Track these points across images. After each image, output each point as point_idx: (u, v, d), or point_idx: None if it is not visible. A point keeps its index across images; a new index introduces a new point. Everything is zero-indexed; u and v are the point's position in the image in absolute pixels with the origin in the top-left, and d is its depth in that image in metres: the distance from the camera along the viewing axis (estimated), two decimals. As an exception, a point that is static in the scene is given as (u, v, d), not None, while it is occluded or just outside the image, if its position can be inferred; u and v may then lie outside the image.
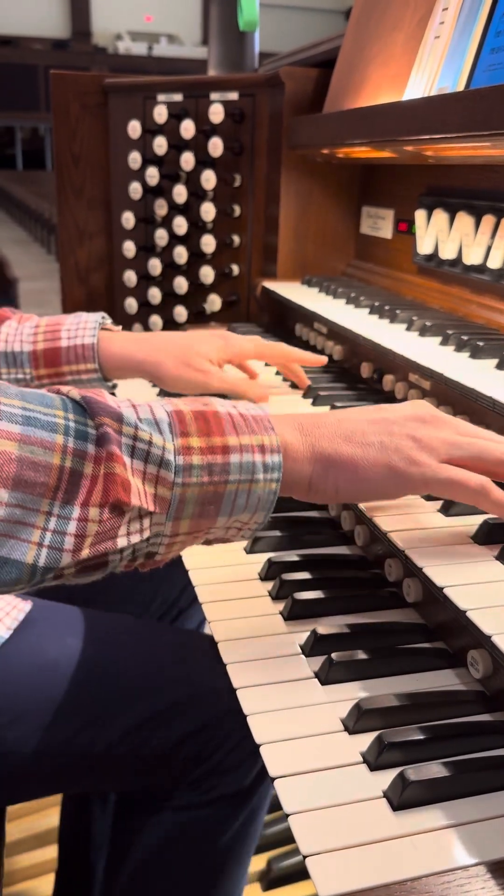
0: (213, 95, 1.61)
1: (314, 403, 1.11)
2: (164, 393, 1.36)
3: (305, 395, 1.16)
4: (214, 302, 1.70)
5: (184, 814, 0.98)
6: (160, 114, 1.65)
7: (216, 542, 0.68)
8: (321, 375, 1.26)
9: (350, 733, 0.61)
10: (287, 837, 1.62)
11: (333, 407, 1.06)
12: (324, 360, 1.17)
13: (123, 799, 1.09)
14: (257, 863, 1.57)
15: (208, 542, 0.68)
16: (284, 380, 1.25)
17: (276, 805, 1.05)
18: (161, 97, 1.66)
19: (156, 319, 1.78)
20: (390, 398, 1.13)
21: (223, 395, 1.04)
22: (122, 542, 0.59)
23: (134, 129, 1.70)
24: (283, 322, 1.61)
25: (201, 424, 0.62)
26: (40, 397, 0.60)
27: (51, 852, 1.59)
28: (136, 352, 1.08)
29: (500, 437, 0.74)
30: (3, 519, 0.55)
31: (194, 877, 1.01)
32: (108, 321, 1.13)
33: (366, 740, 0.60)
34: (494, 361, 0.94)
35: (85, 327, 1.09)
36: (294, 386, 1.22)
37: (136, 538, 0.60)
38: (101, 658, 0.95)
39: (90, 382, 1.09)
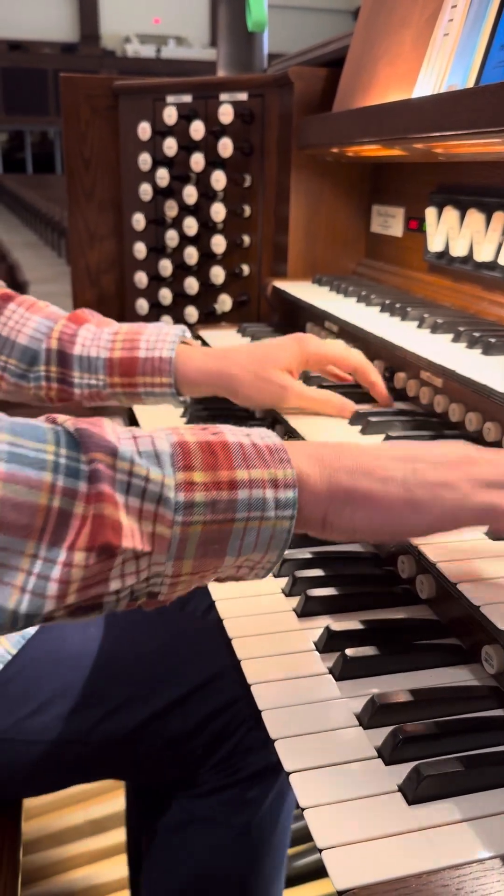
0: (223, 96, 1.61)
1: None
2: (192, 419, 1.36)
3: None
4: (225, 302, 1.71)
5: (213, 798, 0.97)
6: (170, 115, 1.66)
7: (228, 580, 0.63)
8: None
9: (365, 728, 0.62)
10: (304, 836, 1.62)
11: (355, 414, 1.04)
12: (390, 401, 1.10)
13: (152, 789, 1.09)
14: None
15: (219, 580, 0.63)
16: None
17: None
18: (170, 98, 1.67)
19: (167, 320, 1.79)
20: (402, 396, 1.13)
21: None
22: (114, 584, 0.55)
23: (144, 130, 1.70)
24: (294, 322, 1.61)
25: (207, 457, 0.58)
26: (32, 429, 0.56)
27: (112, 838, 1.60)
28: (213, 370, 1.05)
29: None
30: None
31: (229, 864, 0.99)
32: (189, 335, 1.10)
33: (380, 735, 0.60)
34: (506, 358, 0.94)
35: (165, 339, 1.06)
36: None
37: (131, 580, 0.56)
38: (120, 647, 0.95)
39: (163, 396, 1.07)
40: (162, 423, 1.33)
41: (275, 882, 1.04)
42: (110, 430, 0.57)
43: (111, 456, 0.55)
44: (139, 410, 1.41)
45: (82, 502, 0.54)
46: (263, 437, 0.62)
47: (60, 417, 0.58)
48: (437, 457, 0.65)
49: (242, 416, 1.35)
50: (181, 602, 1.31)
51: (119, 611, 0.59)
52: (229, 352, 1.08)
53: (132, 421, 1.52)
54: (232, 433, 0.61)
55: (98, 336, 1.08)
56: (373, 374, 1.09)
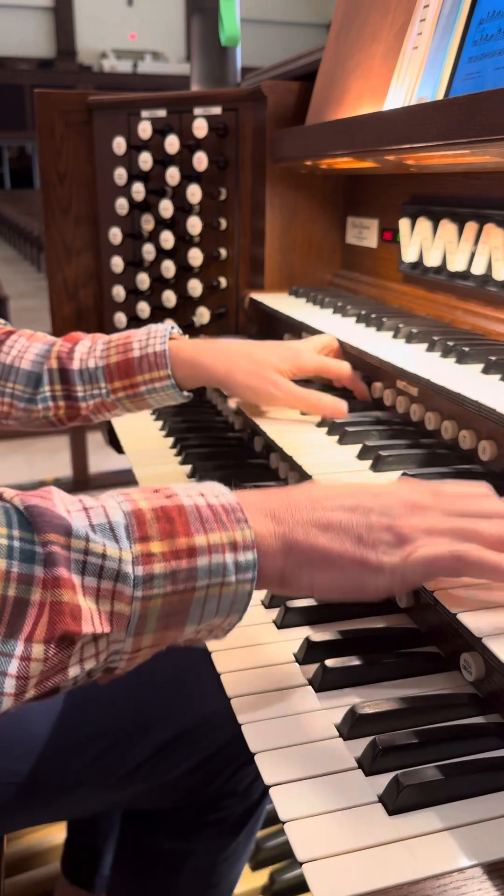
0: (197, 110, 1.62)
1: (303, 414, 1.11)
2: (160, 417, 1.37)
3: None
4: (203, 314, 1.71)
5: (188, 842, 1.00)
6: (144, 130, 1.66)
7: (186, 643, 0.61)
8: (311, 385, 1.26)
9: (345, 739, 0.61)
10: (289, 850, 1.61)
11: (333, 424, 1.05)
12: (367, 397, 1.16)
13: (126, 824, 1.09)
14: (260, 877, 1.56)
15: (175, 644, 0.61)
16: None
17: (277, 818, 1.07)
18: (145, 113, 1.68)
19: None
20: (380, 405, 1.14)
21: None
22: (73, 671, 0.53)
23: (119, 145, 1.71)
24: (271, 333, 1.61)
25: (163, 525, 0.55)
26: None
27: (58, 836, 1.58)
28: (206, 359, 1.08)
29: (494, 502, 0.66)
30: None
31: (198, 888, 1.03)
32: (177, 330, 1.13)
33: (360, 745, 0.60)
34: (480, 366, 0.94)
35: (155, 336, 1.09)
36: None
37: (90, 664, 0.54)
38: (103, 690, 0.95)
39: (164, 391, 1.09)
40: (141, 437, 1.33)
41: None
42: (59, 502, 0.55)
43: (65, 535, 0.52)
44: (118, 424, 1.41)
45: (39, 588, 0.51)
46: (217, 494, 0.60)
47: (7, 493, 0.55)
48: (385, 506, 0.63)
49: (221, 428, 1.35)
50: None
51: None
52: (222, 345, 1.11)
53: (112, 435, 1.52)
54: (186, 494, 0.59)
55: (93, 349, 1.12)
56: (355, 383, 1.16)
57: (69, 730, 0.92)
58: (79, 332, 1.17)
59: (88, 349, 1.11)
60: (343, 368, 1.15)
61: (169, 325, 1.12)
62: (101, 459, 3.95)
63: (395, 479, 0.69)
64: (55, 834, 1.66)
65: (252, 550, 0.58)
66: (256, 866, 1.57)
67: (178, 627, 0.57)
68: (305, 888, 1.50)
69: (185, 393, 1.12)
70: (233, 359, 1.07)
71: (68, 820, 1.31)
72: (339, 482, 0.69)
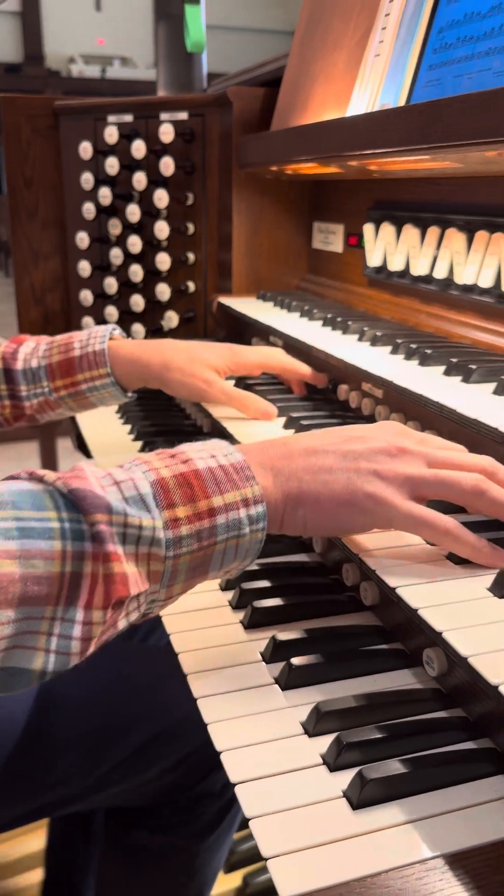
0: (163, 115, 1.62)
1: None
2: (128, 421, 1.37)
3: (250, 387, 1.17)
4: (171, 319, 1.71)
5: (167, 836, 1.00)
6: (111, 134, 1.66)
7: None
8: (279, 387, 1.27)
9: (310, 736, 0.62)
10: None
11: (290, 418, 1.07)
12: (324, 379, 1.19)
13: (108, 821, 1.10)
14: (233, 879, 1.56)
15: None
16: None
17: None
18: (111, 118, 1.68)
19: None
20: (345, 407, 1.15)
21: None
22: (122, 624, 0.61)
23: (85, 150, 1.71)
24: (239, 337, 1.62)
25: (185, 490, 0.62)
26: (31, 497, 0.58)
27: (37, 876, 1.56)
28: (142, 356, 1.11)
29: (474, 457, 0.72)
30: (11, 635, 0.54)
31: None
32: (118, 332, 1.16)
33: (326, 742, 0.61)
34: (442, 368, 0.96)
35: (96, 336, 1.12)
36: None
37: (134, 616, 0.62)
38: (80, 691, 0.95)
39: (105, 389, 1.11)
40: (109, 441, 1.33)
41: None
42: (94, 480, 0.60)
43: (107, 513, 0.58)
44: (86, 428, 1.40)
45: (90, 561, 0.57)
46: (226, 454, 0.66)
47: (49, 475, 0.60)
48: (374, 450, 0.69)
49: (190, 432, 1.36)
50: (129, 632, 1.33)
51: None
52: (160, 344, 1.14)
53: (80, 440, 1.51)
54: (199, 457, 0.64)
55: (37, 349, 1.14)
56: (300, 367, 1.18)
57: (46, 731, 0.92)
58: (24, 335, 1.19)
59: (32, 349, 1.14)
60: (285, 362, 1.17)
61: (110, 327, 1.14)
62: (70, 464, 3.92)
63: (384, 423, 0.75)
64: (31, 841, 1.65)
65: (261, 504, 0.64)
66: (230, 869, 1.57)
67: (202, 575, 0.64)
68: (258, 859, 1.50)
69: (129, 393, 1.14)
70: (169, 356, 1.10)
71: (49, 818, 1.30)
72: (331, 429, 0.74)
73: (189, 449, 0.66)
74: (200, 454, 0.65)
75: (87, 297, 1.78)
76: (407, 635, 0.73)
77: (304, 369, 1.19)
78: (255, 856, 1.59)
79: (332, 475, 0.67)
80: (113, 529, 0.58)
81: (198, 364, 1.10)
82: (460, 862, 0.51)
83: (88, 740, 0.94)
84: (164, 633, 0.77)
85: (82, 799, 0.98)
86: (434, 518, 0.67)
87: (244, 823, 1.34)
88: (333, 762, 0.59)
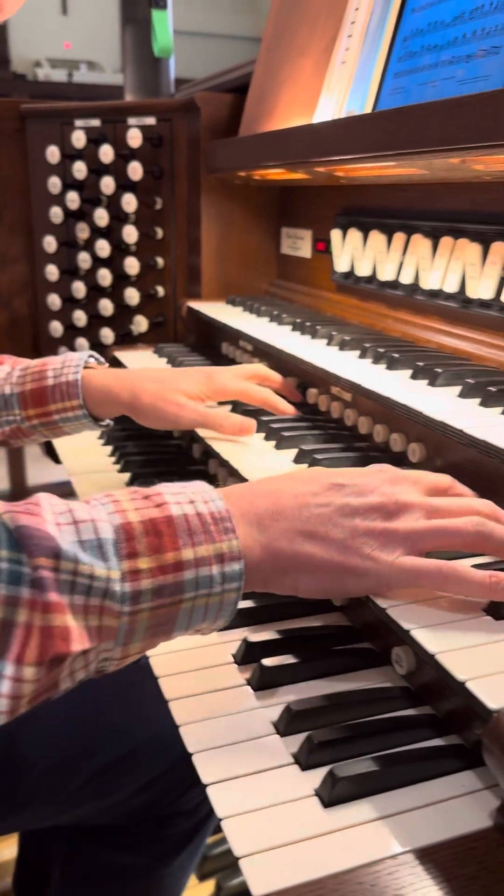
0: (131, 120, 1.63)
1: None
2: (110, 441, 1.36)
3: (233, 411, 1.17)
4: (141, 323, 1.71)
5: (133, 855, 1.00)
6: (78, 139, 1.66)
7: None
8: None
9: (282, 736, 0.63)
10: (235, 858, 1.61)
11: (260, 422, 1.07)
12: (293, 410, 1.13)
13: (72, 837, 1.08)
14: (206, 888, 1.56)
15: None
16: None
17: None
18: (79, 122, 1.67)
19: (82, 342, 1.78)
20: (315, 411, 1.16)
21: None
22: (65, 684, 0.55)
23: (53, 154, 1.70)
24: (209, 341, 1.63)
25: (152, 539, 0.57)
26: None
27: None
28: (114, 386, 1.06)
29: (473, 501, 0.69)
30: None
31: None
32: (93, 359, 1.12)
33: (297, 741, 0.61)
34: (409, 371, 0.97)
35: (69, 365, 1.08)
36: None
37: (80, 675, 0.56)
38: (47, 711, 0.94)
39: (77, 419, 1.08)
40: (79, 446, 1.32)
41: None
42: (49, 515, 0.55)
43: (54, 558, 0.53)
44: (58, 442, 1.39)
45: (25, 609, 0.51)
46: (206, 500, 0.60)
47: None
48: (371, 506, 0.64)
49: (159, 435, 1.36)
50: None
51: None
52: (132, 373, 1.11)
53: (49, 446, 1.50)
54: (175, 501, 0.59)
55: (10, 375, 1.11)
56: (280, 405, 1.11)
57: (14, 749, 0.91)
58: (3, 354, 1.16)
59: (6, 375, 1.11)
60: (265, 395, 1.11)
61: (85, 354, 1.10)
62: (38, 471, 3.89)
63: (376, 467, 0.70)
64: (4, 850, 1.62)
65: (238, 561, 0.59)
66: (203, 876, 1.57)
67: (165, 635, 0.59)
68: (231, 867, 1.51)
69: (104, 422, 1.10)
70: (139, 384, 1.06)
71: (20, 832, 1.29)
72: (323, 469, 0.69)
73: (166, 491, 0.60)
74: (178, 498, 0.60)
75: (54, 301, 1.77)
76: (376, 635, 0.74)
77: (282, 405, 1.11)
78: (229, 862, 1.58)
79: (329, 535, 0.62)
80: (60, 576, 0.53)
81: (170, 390, 1.05)
82: (430, 856, 0.52)
83: (56, 759, 0.92)
84: None
85: (51, 817, 0.97)
86: (439, 567, 0.62)
87: (216, 829, 1.34)
88: (305, 761, 0.59)
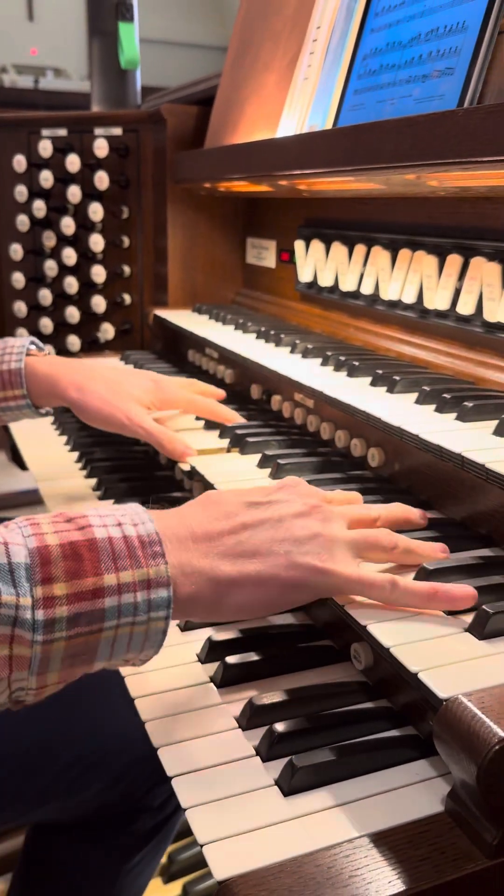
0: (98, 130, 1.65)
1: (206, 426, 1.14)
2: (65, 432, 1.36)
3: (198, 418, 1.19)
4: (108, 331, 1.73)
5: (95, 850, 1.00)
6: (45, 148, 1.68)
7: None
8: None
9: (244, 730, 0.65)
10: (201, 860, 1.63)
11: (225, 428, 1.09)
12: (239, 418, 1.13)
13: (39, 828, 1.08)
14: (173, 889, 1.57)
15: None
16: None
17: (189, 830, 1.09)
18: (45, 132, 1.69)
19: (48, 349, 1.78)
20: (279, 417, 1.19)
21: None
22: None
23: (19, 163, 1.71)
24: (176, 349, 1.65)
25: (70, 564, 0.53)
26: None
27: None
28: (61, 380, 1.03)
29: (387, 507, 0.74)
30: None
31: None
32: (35, 346, 1.09)
33: (258, 735, 0.63)
34: (369, 379, 1.01)
35: (11, 353, 1.04)
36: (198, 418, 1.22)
37: None
38: (4, 712, 0.94)
39: (19, 409, 1.06)
40: (45, 453, 1.33)
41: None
42: None
43: None
44: (21, 440, 1.40)
45: None
46: (136, 522, 0.57)
47: None
48: (297, 513, 0.64)
49: (126, 441, 1.37)
50: None
51: None
52: (81, 366, 1.07)
53: (15, 452, 1.51)
54: (101, 523, 0.56)
55: None
56: (226, 414, 1.12)
57: None
58: None
59: None
60: (210, 406, 1.11)
61: (27, 341, 1.08)
62: (4, 479, 3.86)
63: (288, 481, 0.71)
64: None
65: (167, 588, 0.56)
66: (169, 878, 1.58)
67: (86, 665, 0.56)
68: (198, 867, 1.51)
69: (43, 410, 1.09)
70: (88, 384, 1.03)
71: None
72: (237, 492, 0.68)
73: (94, 513, 0.57)
74: (105, 520, 0.57)
75: (20, 308, 1.78)
76: (336, 632, 0.77)
77: (229, 415, 1.12)
78: (195, 864, 1.60)
79: (272, 549, 0.61)
80: None
81: (120, 397, 1.03)
82: (384, 839, 0.54)
83: (20, 759, 0.91)
84: None
85: (16, 818, 0.97)
86: (373, 579, 0.63)
87: (182, 833, 1.35)
88: (266, 753, 0.62)
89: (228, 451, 1.05)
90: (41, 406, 1.08)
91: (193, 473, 1.00)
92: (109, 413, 1.02)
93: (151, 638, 0.57)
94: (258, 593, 0.61)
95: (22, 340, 1.08)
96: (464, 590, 0.64)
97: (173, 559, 0.58)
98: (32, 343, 1.09)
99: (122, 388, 1.04)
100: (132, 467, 1.26)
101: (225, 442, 1.07)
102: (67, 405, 1.06)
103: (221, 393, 1.17)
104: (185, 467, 1.01)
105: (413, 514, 0.76)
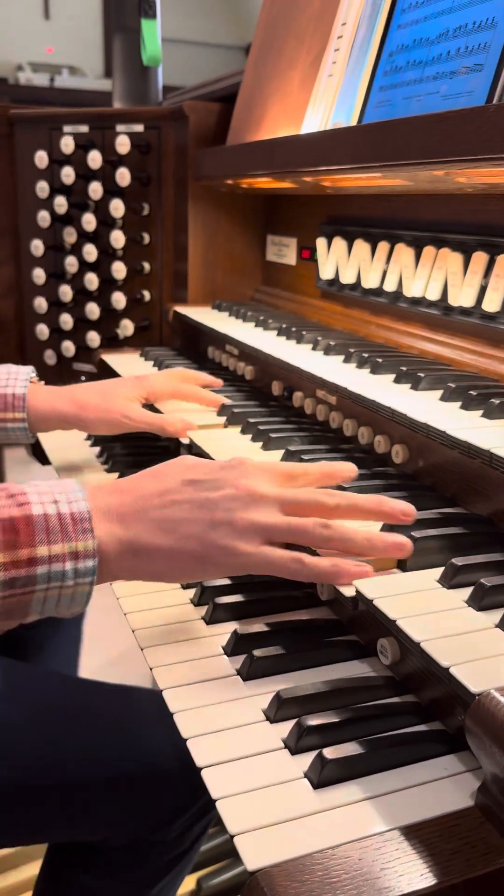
0: (119, 127, 1.65)
1: (228, 422, 1.15)
2: (97, 441, 1.38)
3: (220, 413, 1.20)
4: (127, 327, 1.73)
5: (113, 881, 1.00)
6: (67, 144, 1.68)
7: None
8: (235, 394, 1.30)
9: (272, 722, 0.65)
10: (215, 855, 1.63)
11: (247, 423, 1.10)
12: (221, 400, 1.20)
13: (57, 856, 1.08)
14: (187, 883, 1.57)
15: None
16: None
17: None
18: (67, 128, 1.70)
19: (68, 345, 1.79)
20: (300, 414, 1.19)
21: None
22: None
23: (41, 159, 1.72)
24: (195, 345, 1.65)
25: (9, 536, 0.62)
26: None
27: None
28: (58, 403, 1.12)
29: (326, 493, 0.74)
30: None
31: None
32: (34, 376, 1.16)
33: (286, 728, 0.64)
34: (392, 376, 1.01)
35: (17, 378, 1.12)
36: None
37: None
38: (35, 730, 0.94)
39: (14, 431, 1.12)
40: (66, 446, 1.34)
41: None
42: None
43: None
44: (43, 434, 1.41)
45: None
46: (70, 500, 0.65)
47: None
48: (226, 496, 0.70)
49: (147, 436, 1.38)
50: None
51: None
52: (73, 390, 1.15)
53: (35, 446, 1.51)
54: (39, 500, 0.64)
55: None
56: (209, 398, 1.20)
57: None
58: None
59: None
60: (194, 392, 1.20)
61: (30, 369, 1.15)
62: (21, 476, 3.88)
63: (230, 461, 0.75)
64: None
65: (93, 558, 0.64)
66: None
67: (20, 618, 0.64)
68: (232, 892, 1.52)
69: (32, 437, 1.15)
70: (83, 400, 1.12)
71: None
72: (180, 464, 0.75)
73: (32, 490, 0.65)
74: (43, 497, 0.65)
75: (41, 304, 1.79)
76: (362, 627, 0.77)
77: (211, 398, 1.20)
78: (208, 859, 1.60)
79: (187, 528, 0.68)
80: None
81: (112, 398, 1.12)
82: (414, 833, 0.54)
83: (21, 777, 0.92)
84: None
85: (28, 836, 0.97)
86: (279, 558, 0.69)
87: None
88: (295, 745, 0.62)
89: (225, 427, 1.14)
90: (35, 431, 1.15)
91: (192, 446, 1.07)
92: (109, 418, 1.11)
93: (77, 598, 0.66)
94: (172, 564, 0.69)
95: (26, 368, 1.15)
96: (351, 565, 0.69)
97: (100, 532, 0.66)
98: (33, 371, 1.16)
99: (112, 393, 1.13)
100: (153, 462, 1.25)
101: (222, 419, 1.15)
102: (68, 425, 1.14)
103: (212, 380, 1.24)
104: (185, 440, 1.09)
105: (340, 469, 0.79)
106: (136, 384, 1.16)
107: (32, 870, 1.58)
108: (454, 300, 1.06)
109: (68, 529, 0.64)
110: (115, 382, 1.17)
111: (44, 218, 1.74)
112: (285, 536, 0.70)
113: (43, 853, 1.09)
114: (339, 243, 1.33)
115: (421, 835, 0.54)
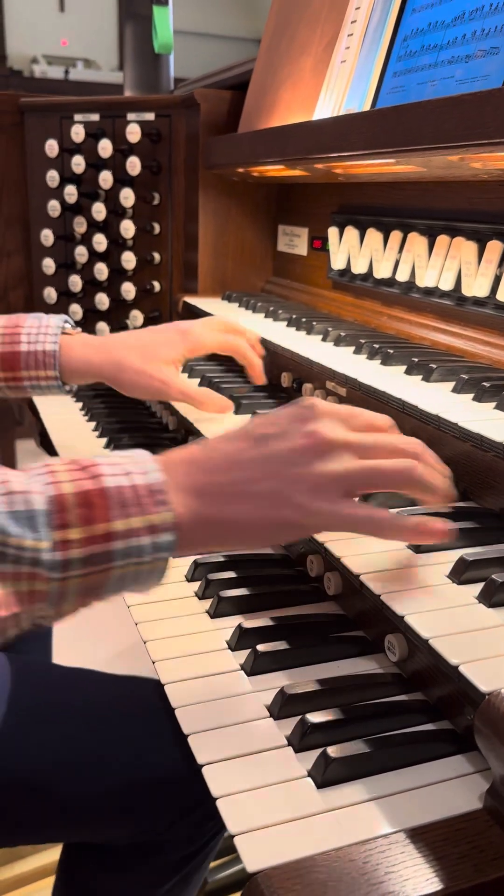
0: (130, 116, 1.63)
1: (237, 411, 1.13)
2: (93, 418, 1.36)
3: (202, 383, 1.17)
4: (136, 317, 1.72)
5: (128, 877, 0.98)
6: (77, 133, 1.67)
7: None
8: (244, 385, 1.28)
9: (275, 719, 0.63)
10: (223, 849, 1.61)
11: (255, 415, 1.09)
12: (262, 379, 1.16)
13: (74, 853, 1.06)
14: None
15: None
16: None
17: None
18: (78, 117, 1.68)
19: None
20: (309, 406, 1.17)
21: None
22: None
23: (51, 147, 1.71)
24: (204, 337, 1.63)
25: (84, 511, 0.58)
26: None
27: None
28: (95, 359, 1.06)
29: (404, 439, 0.69)
30: None
31: None
32: (69, 324, 1.10)
33: (290, 725, 0.62)
34: (403, 367, 0.98)
35: (46, 332, 1.06)
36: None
37: (13, 632, 0.60)
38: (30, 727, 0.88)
39: (48, 388, 1.08)
40: (74, 438, 1.33)
41: None
42: None
43: None
44: (50, 425, 1.40)
45: None
46: (143, 471, 0.61)
47: None
48: (296, 449, 0.64)
49: (155, 429, 1.36)
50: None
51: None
52: (111, 342, 1.09)
53: (43, 438, 1.50)
54: (111, 472, 0.60)
55: None
56: (249, 355, 1.14)
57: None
58: None
59: None
60: (238, 345, 1.13)
61: (62, 319, 1.09)
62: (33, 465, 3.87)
63: (299, 406, 0.68)
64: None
65: (171, 532, 0.60)
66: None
67: (98, 596, 0.61)
68: (234, 889, 1.49)
69: (68, 388, 1.10)
70: (121, 356, 1.06)
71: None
72: (249, 421, 0.69)
73: (104, 462, 0.61)
74: (115, 469, 0.60)
75: (51, 294, 1.77)
76: (369, 623, 0.75)
77: (252, 359, 1.14)
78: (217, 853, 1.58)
79: (258, 487, 0.63)
80: None
81: (153, 363, 1.05)
82: (421, 836, 0.53)
83: (32, 779, 0.86)
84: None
85: (39, 833, 0.96)
86: (371, 514, 0.64)
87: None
88: (298, 743, 0.60)
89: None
90: (71, 384, 1.10)
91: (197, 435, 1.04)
92: (146, 384, 1.06)
93: (155, 574, 0.62)
94: (249, 532, 0.64)
95: (57, 319, 1.09)
96: (439, 524, 0.65)
97: (175, 503, 0.61)
98: (66, 321, 1.10)
99: (153, 353, 1.06)
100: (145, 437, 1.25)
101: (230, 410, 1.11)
102: (104, 380, 1.08)
103: (248, 331, 1.17)
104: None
105: (381, 422, 0.71)
106: (179, 340, 1.08)
107: (38, 861, 1.58)
108: (468, 290, 1.04)
109: (144, 501, 0.60)
110: (156, 337, 1.10)
111: (54, 207, 1.73)
112: (367, 481, 0.64)
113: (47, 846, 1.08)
114: (351, 232, 1.31)
115: (427, 838, 0.53)
